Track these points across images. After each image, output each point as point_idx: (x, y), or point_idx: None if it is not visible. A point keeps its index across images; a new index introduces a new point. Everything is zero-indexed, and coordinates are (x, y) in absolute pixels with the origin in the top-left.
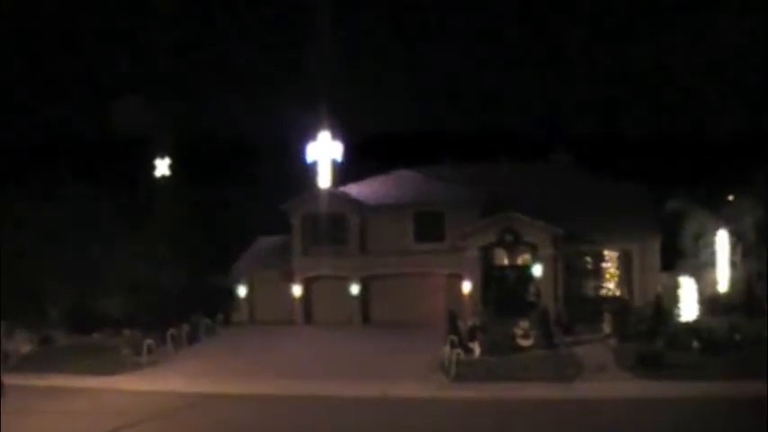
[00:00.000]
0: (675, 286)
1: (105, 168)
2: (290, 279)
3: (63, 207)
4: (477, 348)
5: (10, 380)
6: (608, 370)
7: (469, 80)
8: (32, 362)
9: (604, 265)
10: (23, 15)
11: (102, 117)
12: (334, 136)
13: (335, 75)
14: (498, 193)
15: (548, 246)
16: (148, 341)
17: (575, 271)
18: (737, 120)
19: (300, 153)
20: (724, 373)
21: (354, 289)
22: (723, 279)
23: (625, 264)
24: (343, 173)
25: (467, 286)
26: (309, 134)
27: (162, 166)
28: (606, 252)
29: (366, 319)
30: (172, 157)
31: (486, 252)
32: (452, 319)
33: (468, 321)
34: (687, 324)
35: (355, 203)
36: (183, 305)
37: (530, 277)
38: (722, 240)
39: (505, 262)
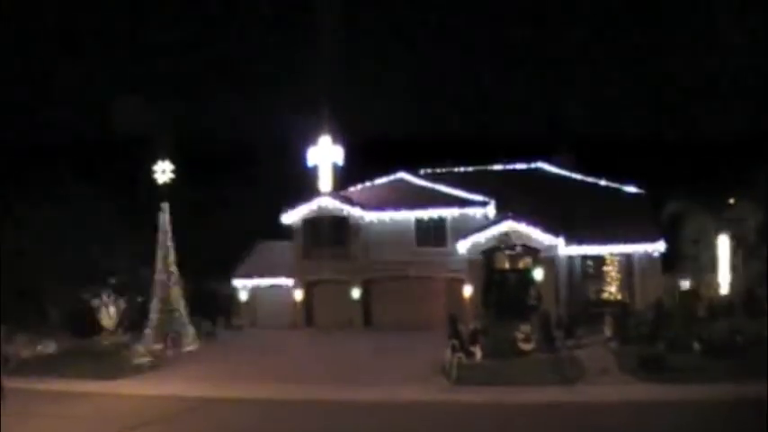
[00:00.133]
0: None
1: (105, 169)
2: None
3: (63, 208)
4: (478, 352)
5: (10, 383)
6: (610, 373)
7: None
8: (33, 365)
9: (605, 268)
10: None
11: (102, 117)
12: (335, 140)
13: (336, 78)
14: (499, 197)
15: (549, 249)
16: (150, 345)
17: (576, 274)
18: (738, 122)
19: (301, 157)
20: (726, 376)
21: (355, 293)
22: (724, 281)
23: (626, 267)
24: (344, 176)
25: (468, 290)
26: (310, 138)
27: (164, 171)
28: (607, 255)
29: (367, 322)
30: (172, 159)
31: (488, 256)
32: (453, 322)
33: (469, 325)
34: (689, 326)
35: (356, 207)
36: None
37: (531, 281)
38: (723, 243)
39: (506, 266)
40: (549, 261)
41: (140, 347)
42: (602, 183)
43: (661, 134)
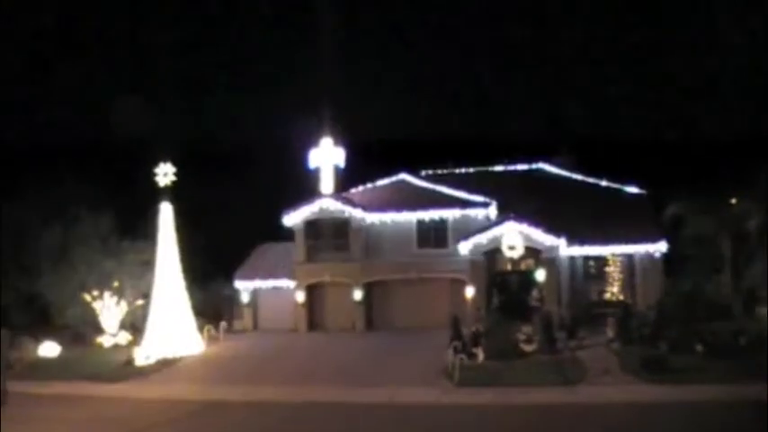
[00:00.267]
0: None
1: (106, 171)
2: (293, 285)
3: (65, 211)
4: (480, 353)
5: (14, 387)
6: (612, 374)
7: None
8: (36, 369)
9: (607, 268)
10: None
11: (103, 119)
12: (337, 141)
13: (337, 79)
14: (501, 198)
15: (551, 250)
16: (152, 348)
17: (578, 275)
18: (739, 121)
19: (303, 159)
20: (728, 377)
21: (357, 295)
22: (726, 282)
23: (628, 267)
24: (346, 178)
25: (470, 291)
26: (312, 140)
27: (166, 174)
28: (609, 256)
29: (369, 324)
30: (174, 161)
31: (489, 257)
32: (455, 324)
33: (471, 327)
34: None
35: (358, 209)
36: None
37: (533, 282)
38: (724, 243)
39: (508, 267)
40: (551, 262)
41: (143, 350)
42: (604, 183)
43: (662, 134)
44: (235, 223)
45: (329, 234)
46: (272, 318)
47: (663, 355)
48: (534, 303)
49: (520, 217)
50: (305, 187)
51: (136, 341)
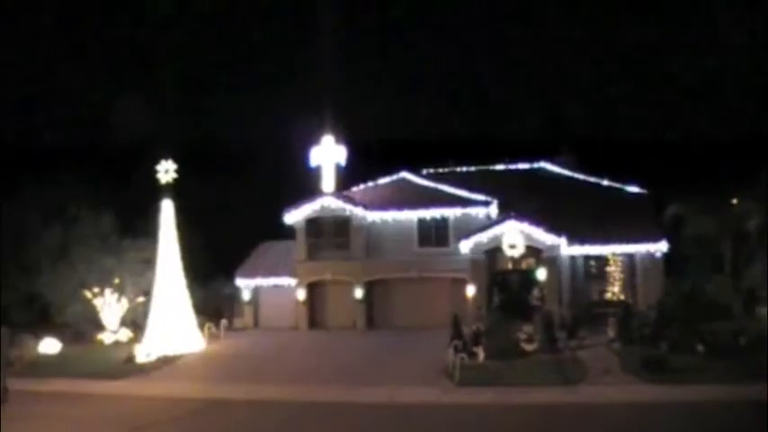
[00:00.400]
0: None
1: (107, 169)
2: (293, 284)
3: (66, 209)
4: (481, 353)
5: (15, 385)
6: (612, 374)
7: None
8: (37, 366)
9: (608, 268)
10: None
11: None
12: (338, 140)
13: (339, 78)
14: (502, 197)
15: (552, 250)
16: (154, 346)
17: (578, 274)
18: (741, 121)
19: (304, 157)
20: (728, 377)
21: (358, 293)
22: (726, 282)
23: (629, 267)
24: (347, 177)
25: (470, 290)
26: (313, 138)
27: (167, 171)
28: (610, 255)
29: (370, 323)
30: (175, 159)
31: (490, 256)
32: (456, 323)
33: (471, 326)
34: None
35: (359, 207)
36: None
37: (534, 281)
38: (725, 243)
39: (509, 266)
40: (552, 261)
41: (144, 347)
42: (605, 183)
43: (663, 134)
44: (236, 221)
45: (330, 232)
46: (273, 316)
47: (663, 355)
48: (535, 303)
49: (521, 216)
50: (306, 185)
51: (137, 338)
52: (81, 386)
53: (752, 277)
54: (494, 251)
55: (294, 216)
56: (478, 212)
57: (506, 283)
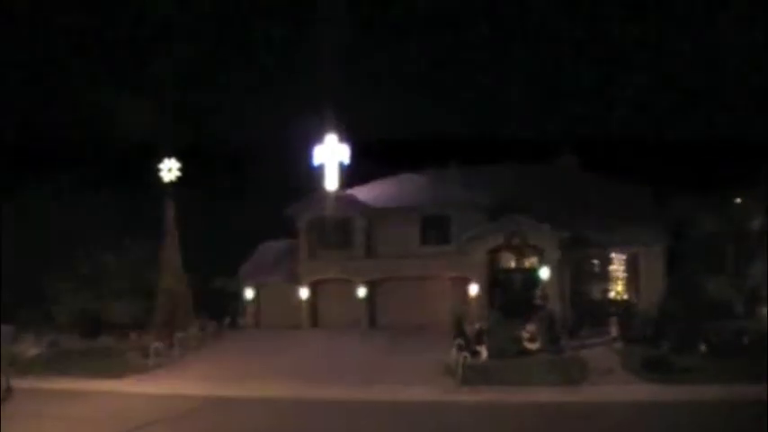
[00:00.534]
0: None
1: (110, 169)
2: (296, 282)
3: (68, 208)
4: (483, 352)
5: (17, 383)
6: (614, 373)
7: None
8: (39, 365)
9: (611, 267)
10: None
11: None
12: (341, 138)
13: (342, 77)
14: (504, 197)
15: (555, 249)
16: (156, 344)
17: (581, 274)
18: (745, 121)
19: (307, 155)
20: (731, 376)
21: (361, 292)
22: (729, 282)
23: (632, 266)
24: (350, 176)
25: (473, 289)
26: (316, 137)
27: (170, 169)
28: (613, 255)
29: (372, 322)
30: (179, 159)
31: (493, 255)
32: (459, 322)
33: (474, 325)
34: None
35: (362, 206)
36: (191, 309)
37: (536, 280)
38: (728, 243)
39: (512, 265)
40: (555, 260)
41: (146, 346)
42: (608, 182)
43: (666, 133)
44: (238, 220)
45: (333, 231)
46: (276, 314)
47: (664, 354)
48: (538, 302)
49: (524, 215)
50: (309, 184)
51: (139, 337)
52: (83, 384)
53: (753, 277)
54: (496, 250)
55: (297, 215)
56: (481, 211)
57: (509, 282)
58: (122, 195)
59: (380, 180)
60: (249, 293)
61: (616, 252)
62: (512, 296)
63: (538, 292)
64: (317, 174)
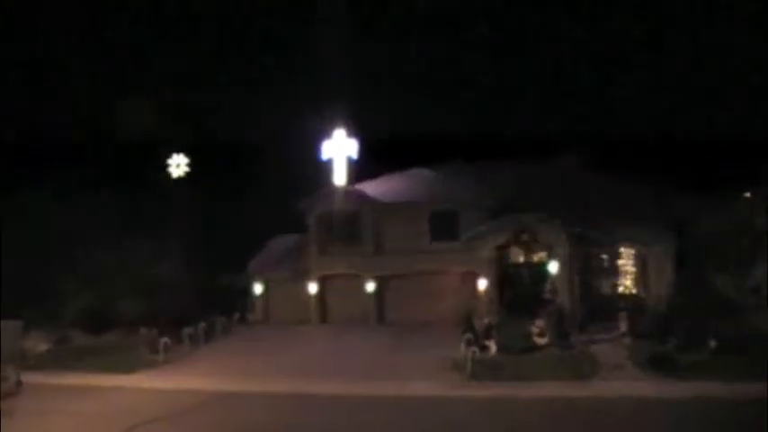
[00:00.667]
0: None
1: (118, 166)
2: (305, 278)
3: (77, 207)
4: (492, 347)
5: (27, 379)
6: (623, 369)
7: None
8: (49, 361)
9: (620, 262)
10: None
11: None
12: (350, 133)
13: (351, 73)
14: (513, 192)
15: (563, 244)
16: (165, 340)
17: (590, 269)
18: (751, 118)
19: (316, 150)
20: (739, 373)
21: (370, 287)
22: (737, 279)
23: (641, 262)
24: (359, 171)
25: (482, 284)
26: (325, 131)
27: (178, 165)
28: (622, 250)
29: (381, 317)
30: (186, 155)
31: (502, 250)
32: (468, 317)
33: (483, 320)
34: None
35: (371, 202)
36: (199, 304)
37: (545, 275)
38: (736, 240)
39: (521, 260)
40: (564, 255)
41: (156, 342)
42: (616, 179)
43: (673, 131)
44: (247, 215)
45: (342, 226)
46: (285, 310)
47: (671, 351)
48: (547, 297)
49: (533, 210)
50: (318, 179)
51: (148, 332)
52: (92, 380)
53: (761, 275)
54: (505, 245)
55: (306, 210)
56: (489, 207)
57: (518, 276)
58: (132, 190)
59: (389, 175)
60: (258, 289)
61: (625, 246)
62: (521, 291)
63: (547, 287)
64: (326, 168)
